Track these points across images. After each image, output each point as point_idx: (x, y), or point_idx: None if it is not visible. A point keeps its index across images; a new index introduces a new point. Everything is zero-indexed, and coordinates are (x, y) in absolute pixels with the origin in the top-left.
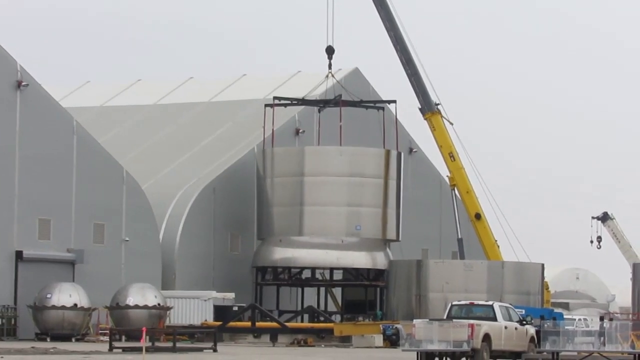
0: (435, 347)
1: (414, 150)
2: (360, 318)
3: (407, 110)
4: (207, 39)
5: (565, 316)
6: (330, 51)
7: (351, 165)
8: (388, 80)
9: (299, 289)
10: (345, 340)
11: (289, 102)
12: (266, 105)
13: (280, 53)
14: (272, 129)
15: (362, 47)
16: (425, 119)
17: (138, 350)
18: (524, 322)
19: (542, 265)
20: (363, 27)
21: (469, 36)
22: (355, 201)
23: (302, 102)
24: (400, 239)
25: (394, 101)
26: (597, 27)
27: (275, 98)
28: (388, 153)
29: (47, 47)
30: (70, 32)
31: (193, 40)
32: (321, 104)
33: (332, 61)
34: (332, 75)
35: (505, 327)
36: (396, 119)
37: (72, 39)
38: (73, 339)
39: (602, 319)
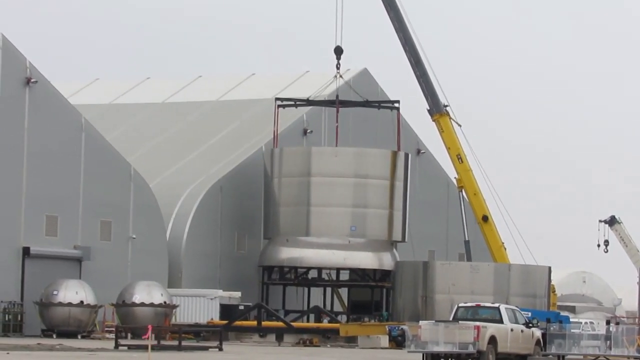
0: (441, 348)
1: (422, 151)
2: (366, 319)
3: (415, 112)
4: (216, 38)
5: (571, 319)
6: (338, 51)
7: (357, 166)
8: (397, 81)
9: (305, 289)
10: (351, 341)
11: (291, 103)
12: (277, 104)
13: (289, 53)
14: (274, 130)
15: (371, 48)
16: (434, 120)
17: (144, 348)
18: (530, 325)
19: (549, 268)
20: (372, 27)
21: (478, 37)
22: (360, 202)
23: (305, 102)
24: (406, 240)
25: (397, 101)
26: (611, 27)
27: (277, 99)
28: (394, 154)
29: (57, 44)
30: (79, 29)
31: (202, 39)
32: (323, 104)
33: (340, 61)
34: (340, 76)
35: (512, 330)
36: (398, 120)
37: (82, 36)
38: (79, 336)
39: (608, 322)
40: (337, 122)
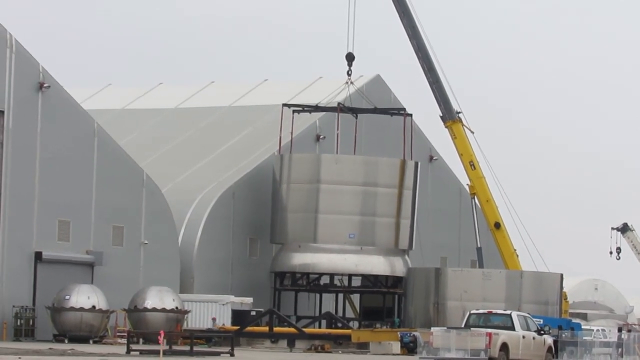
0: (452, 355)
1: (435, 158)
2: (378, 325)
3: (428, 118)
4: (229, 44)
5: (583, 327)
6: (350, 58)
7: (365, 175)
8: (410, 88)
9: (317, 295)
10: (363, 347)
11: (299, 108)
12: (285, 109)
13: (302, 59)
14: (280, 136)
15: (385, 54)
16: (446, 127)
17: (155, 353)
18: (542, 332)
19: (561, 275)
20: (386, 34)
21: (492, 44)
22: (368, 210)
23: (313, 108)
24: (413, 248)
25: (404, 109)
26: (626, 39)
27: (284, 105)
28: (403, 163)
29: (70, 49)
30: (92, 34)
31: (215, 44)
32: (331, 110)
33: (352, 68)
34: (352, 82)
35: (523, 337)
36: (404, 126)
37: (95, 41)
38: (91, 341)
39: (620, 330)
40: (337, 129)
